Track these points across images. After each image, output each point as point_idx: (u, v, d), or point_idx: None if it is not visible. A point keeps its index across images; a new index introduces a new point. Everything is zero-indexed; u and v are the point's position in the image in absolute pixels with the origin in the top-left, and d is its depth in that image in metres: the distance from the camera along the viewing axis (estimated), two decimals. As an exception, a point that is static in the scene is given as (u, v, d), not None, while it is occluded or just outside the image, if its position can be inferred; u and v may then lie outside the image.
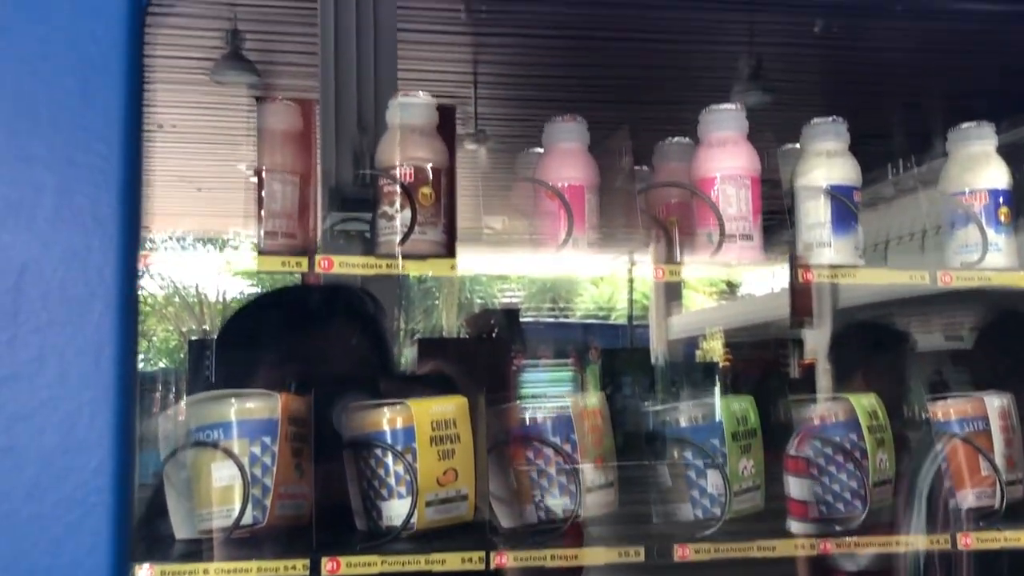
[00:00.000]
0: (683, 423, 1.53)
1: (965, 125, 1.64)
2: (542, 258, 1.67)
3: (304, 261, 1.43)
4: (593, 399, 1.54)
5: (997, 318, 2.33)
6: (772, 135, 1.70)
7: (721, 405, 1.49)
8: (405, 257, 1.48)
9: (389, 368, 1.80)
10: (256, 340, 1.66)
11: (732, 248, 1.57)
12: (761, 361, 4.91)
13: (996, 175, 1.60)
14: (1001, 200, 1.59)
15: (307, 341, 1.68)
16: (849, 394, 1.57)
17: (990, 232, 1.57)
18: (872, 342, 2.60)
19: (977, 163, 1.61)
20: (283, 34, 4.53)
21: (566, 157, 1.63)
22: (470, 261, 1.59)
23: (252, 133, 1.55)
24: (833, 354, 2.69)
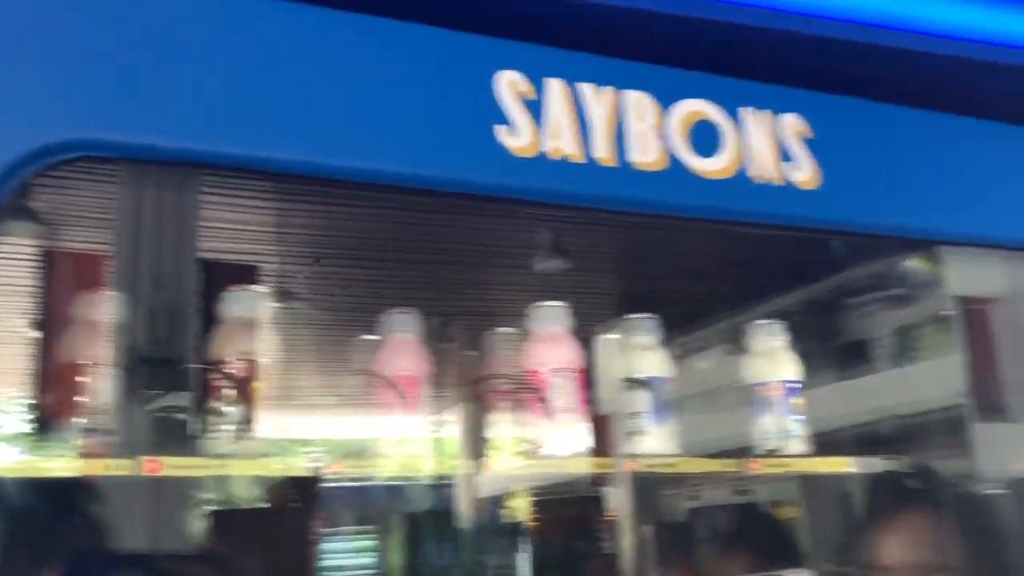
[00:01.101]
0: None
1: (760, 322, 1.83)
2: (346, 422, 1.67)
3: (129, 464, 1.34)
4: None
5: None
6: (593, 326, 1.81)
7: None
8: (237, 456, 1.44)
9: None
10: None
11: (559, 436, 1.65)
12: (566, 520, 4.98)
13: (789, 368, 1.79)
14: (794, 390, 1.77)
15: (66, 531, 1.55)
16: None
17: (787, 420, 1.73)
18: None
19: (772, 358, 1.79)
20: (75, 190, 4.34)
21: (402, 348, 1.67)
22: (273, 425, 1.56)
23: (34, 287, 1.48)
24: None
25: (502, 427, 1.74)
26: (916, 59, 1.53)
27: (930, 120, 1.58)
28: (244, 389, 1.48)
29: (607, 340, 1.82)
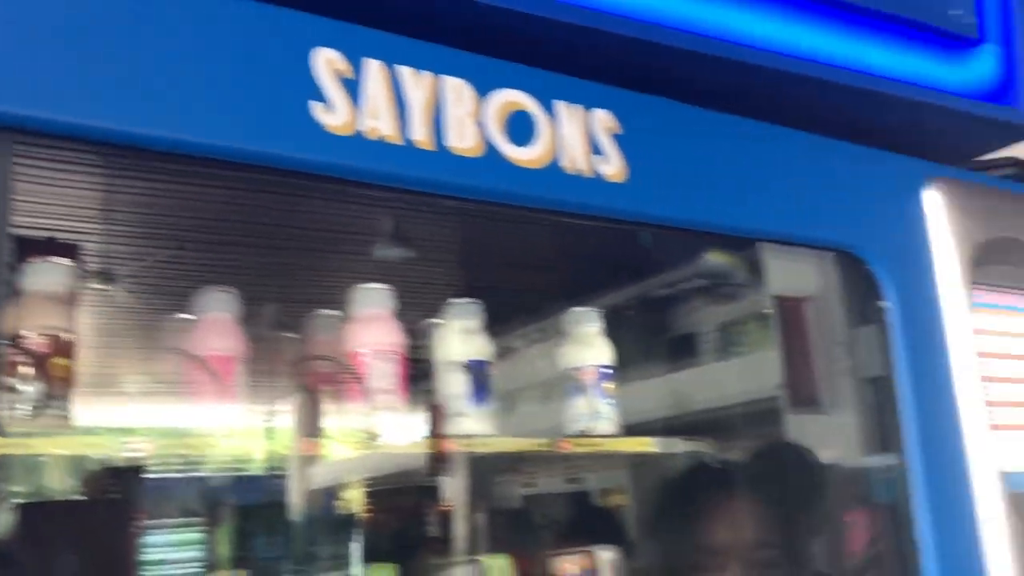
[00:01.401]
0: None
1: (577, 309, 1.90)
2: (172, 409, 1.63)
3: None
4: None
5: None
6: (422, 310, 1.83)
7: (365, 576, 1.52)
8: (34, 435, 1.37)
9: None
10: None
11: (380, 420, 1.65)
12: (400, 510, 4.98)
13: (602, 353, 1.87)
14: (606, 374, 1.85)
15: None
16: (483, 556, 1.68)
17: (599, 402, 1.81)
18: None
19: (587, 343, 1.87)
20: None
21: (216, 327, 1.63)
22: (92, 412, 1.51)
23: None
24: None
25: (335, 416, 1.74)
26: (729, 66, 1.63)
27: (740, 124, 1.69)
28: (44, 366, 1.41)
29: (437, 326, 1.85)
